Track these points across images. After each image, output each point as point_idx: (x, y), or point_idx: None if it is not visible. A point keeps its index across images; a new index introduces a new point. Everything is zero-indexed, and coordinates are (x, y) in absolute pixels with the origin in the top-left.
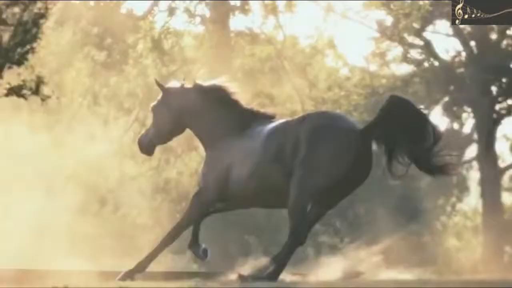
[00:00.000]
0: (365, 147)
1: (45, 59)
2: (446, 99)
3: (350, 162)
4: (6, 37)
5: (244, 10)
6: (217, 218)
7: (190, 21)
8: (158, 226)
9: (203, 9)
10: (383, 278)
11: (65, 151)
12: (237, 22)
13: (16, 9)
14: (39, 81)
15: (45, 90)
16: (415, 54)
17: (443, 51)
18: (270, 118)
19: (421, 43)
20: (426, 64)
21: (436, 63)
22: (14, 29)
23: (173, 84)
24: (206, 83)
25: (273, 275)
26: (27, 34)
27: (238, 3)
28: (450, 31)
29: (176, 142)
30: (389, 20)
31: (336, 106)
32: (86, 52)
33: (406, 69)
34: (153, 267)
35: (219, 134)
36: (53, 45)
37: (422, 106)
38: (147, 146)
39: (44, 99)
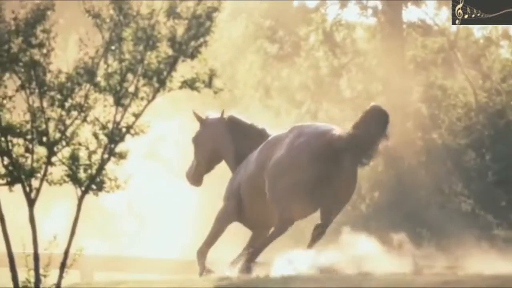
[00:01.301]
0: (340, 151)
1: (218, 52)
2: None
3: (323, 160)
4: (180, 30)
5: (416, 1)
6: (391, 209)
7: (362, 13)
8: None
9: (375, 1)
10: None
11: None
12: (409, 13)
13: (190, 3)
14: (212, 74)
15: (218, 83)
16: None
17: None
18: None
19: None
20: None
21: None
22: (188, 22)
23: (212, 115)
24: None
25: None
26: (201, 27)
27: None
28: None
29: None
30: None
31: (510, 98)
32: (259, 44)
33: None
34: None
35: (239, 161)
36: (226, 38)
37: None
38: (192, 178)
39: (216, 91)
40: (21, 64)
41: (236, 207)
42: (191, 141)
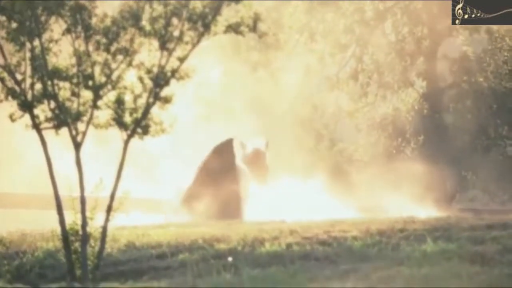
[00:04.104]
0: None
1: None
2: None
3: None
4: None
5: None
6: (436, 153)
7: None
8: (374, 162)
9: None
10: None
11: (281, 87)
12: None
13: None
14: (257, 18)
15: (262, 27)
16: None
17: None
18: None
19: None
20: None
21: None
22: None
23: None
24: None
25: None
26: None
27: None
28: None
29: (392, 78)
30: None
31: None
32: None
33: None
34: None
35: None
36: None
37: None
38: None
39: (261, 36)
40: (67, 8)
41: None
42: None
